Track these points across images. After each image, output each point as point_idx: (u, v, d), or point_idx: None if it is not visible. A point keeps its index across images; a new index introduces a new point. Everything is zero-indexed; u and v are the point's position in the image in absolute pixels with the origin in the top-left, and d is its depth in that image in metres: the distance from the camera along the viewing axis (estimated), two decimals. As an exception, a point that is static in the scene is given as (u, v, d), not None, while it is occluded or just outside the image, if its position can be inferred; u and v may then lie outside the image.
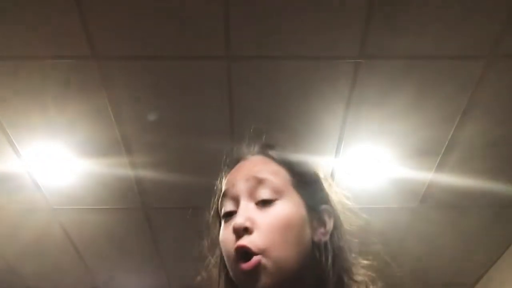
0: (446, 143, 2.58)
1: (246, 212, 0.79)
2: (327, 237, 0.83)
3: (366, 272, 0.86)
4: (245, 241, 0.76)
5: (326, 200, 0.88)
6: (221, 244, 0.82)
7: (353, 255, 0.87)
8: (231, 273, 0.81)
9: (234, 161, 0.92)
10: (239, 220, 0.78)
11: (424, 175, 2.78)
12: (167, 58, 2.22)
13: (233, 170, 0.89)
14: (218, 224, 0.89)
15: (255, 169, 0.84)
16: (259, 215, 0.79)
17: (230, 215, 0.82)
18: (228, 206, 0.83)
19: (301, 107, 2.41)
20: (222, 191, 0.86)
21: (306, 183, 0.86)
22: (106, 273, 3.70)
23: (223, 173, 0.93)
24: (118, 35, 2.10)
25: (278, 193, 0.81)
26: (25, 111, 2.41)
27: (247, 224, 0.77)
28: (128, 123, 2.50)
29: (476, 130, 2.51)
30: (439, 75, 2.26)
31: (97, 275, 3.71)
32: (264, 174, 0.83)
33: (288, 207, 0.80)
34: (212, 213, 0.92)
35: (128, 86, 2.33)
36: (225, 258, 0.81)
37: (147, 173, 2.79)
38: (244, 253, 0.76)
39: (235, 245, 0.76)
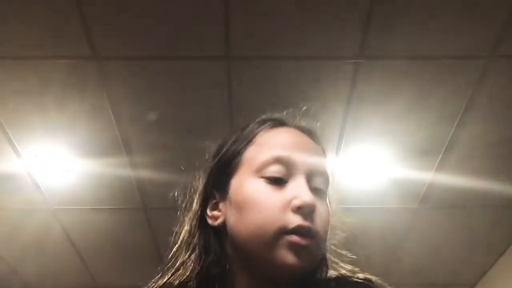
0: (446, 143, 2.58)
1: (311, 194, 0.75)
2: None
3: (352, 266, 0.85)
4: (310, 222, 0.73)
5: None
6: (258, 203, 0.74)
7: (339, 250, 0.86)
8: (248, 237, 0.74)
9: (277, 122, 0.87)
10: (310, 198, 0.74)
11: (424, 175, 2.78)
12: (167, 58, 2.22)
13: (283, 134, 0.83)
14: (225, 170, 0.82)
15: (315, 155, 0.81)
16: (318, 202, 0.76)
17: (278, 181, 0.76)
18: (278, 171, 0.76)
19: (301, 107, 2.40)
20: (274, 151, 0.78)
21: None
22: (106, 273, 3.70)
23: (259, 125, 0.86)
24: (118, 35, 2.10)
25: (326, 189, 0.80)
26: (25, 111, 2.41)
27: (316, 207, 0.75)
28: (128, 123, 2.50)
29: (476, 130, 2.51)
30: (439, 75, 2.26)
31: (97, 275, 3.71)
32: (323, 166, 0.81)
33: (328, 208, 0.80)
34: (220, 156, 0.84)
35: (128, 86, 2.33)
36: (256, 220, 0.74)
37: (147, 173, 2.79)
38: (303, 231, 0.73)
39: (300, 223, 0.72)
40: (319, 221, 0.75)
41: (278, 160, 0.77)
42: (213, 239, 0.79)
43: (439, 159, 2.68)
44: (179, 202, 0.89)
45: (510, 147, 2.59)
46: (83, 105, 2.40)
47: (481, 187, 2.80)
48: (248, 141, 0.82)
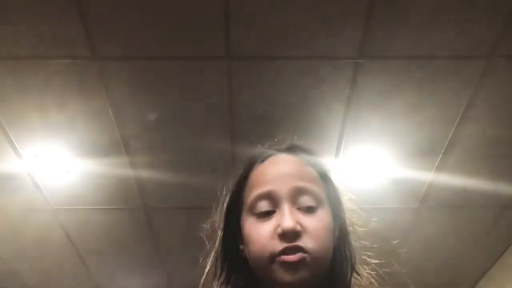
0: (446, 143, 2.58)
1: (294, 216, 0.83)
2: (336, 242, 0.90)
3: (370, 272, 0.95)
4: (297, 242, 0.82)
5: (341, 208, 0.93)
6: (252, 239, 0.85)
7: (357, 256, 0.94)
8: (257, 266, 0.85)
9: (264, 156, 0.95)
10: (290, 223, 0.82)
11: (424, 175, 2.78)
12: (167, 58, 2.22)
13: (268, 168, 0.91)
14: (232, 214, 0.92)
15: (297, 175, 0.88)
16: (305, 220, 0.84)
17: (267, 214, 0.86)
18: (264, 205, 0.86)
19: (301, 107, 2.41)
20: (258, 189, 0.88)
21: (333, 193, 0.92)
22: (106, 273, 3.70)
23: (250, 164, 0.94)
24: (118, 35, 2.10)
25: (319, 202, 0.87)
26: (25, 111, 2.41)
27: (298, 228, 0.82)
28: (128, 123, 2.50)
29: (476, 130, 2.51)
30: (439, 75, 2.26)
31: (97, 275, 3.71)
32: (307, 183, 0.87)
33: (326, 215, 0.87)
34: (228, 201, 0.94)
35: (128, 86, 2.33)
36: (254, 252, 0.85)
37: (147, 173, 2.79)
38: (290, 250, 0.81)
39: (286, 245, 0.81)
40: (309, 238, 0.82)
41: (261, 197, 0.87)
42: (245, 268, 0.90)
43: (439, 159, 2.68)
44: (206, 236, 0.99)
45: (510, 147, 2.59)
46: (83, 105, 2.40)
47: (481, 187, 2.81)
48: (244, 183, 0.93)
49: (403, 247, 3.33)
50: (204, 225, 0.99)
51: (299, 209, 0.85)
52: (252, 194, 0.88)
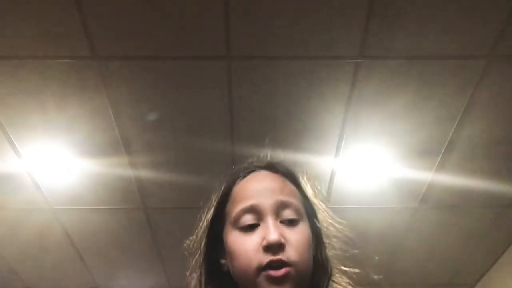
0: (446, 143, 2.59)
1: (278, 229, 0.86)
2: (314, 253, 0.93)
3: (348, 281, 0.96)
4: (281, 255, 0.84)
5: (316, 220, 0.96)
6: (237, 252, 0.88)
7: (335, 265, 0.96)
8: (242, 280, 0.87)
9: (246, 172, 0.98)
10: (275, 236, 0.85)
11: (424, 175, 2.78)
12: (167, 58, 2.22)
13: (251, 183, 0.94)
14: (214, 229, 0.95)
15: (279, 190, 0.92)
16: (288, 232, 0.87)
17: (251, 227, 0.88)
18: (248, 219, 0.89)
19: (301, 107, 2.41)
20: (242, 203, 0.91)
21: (309, 206, 0.95)
22: (106, 273, 3.70)
23: (233, 180, 0.97)
24: (118, 35, 2.10)
25: (299, 215, 0.90)
26: (25, 111, 2.41)
27: (282, 241, 0.85)
28: (128, 123, 2.50)
29: (476, 130, 2.51)
30: (439, 75, 2.26)
31: (97, 275, 3.71)
32: (289, 197, 0.91)
33: (306, 227, 0.90)
34: (211, 215, 0.97)
35: (128, 86, 2.33)
36: (239, 265, 0.87)
37: (147, 173, 2.79)
38: (275, 264, 0.84)
39: (271, 258, 0.84)
40: (293, 249, 0.85)
41: (245, 211, 0.89)
42: (227, 281, 0.92)
43: (439, 159, 2.68)
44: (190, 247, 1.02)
45: (510, 147, 2.59)
46: (83, 105, 2.40)
47: (481, 187, 2.81)
48: (227, 197, 0.95)
49: (403, 247, 3.34)
50: (186, 242, 1.01)
51: (281, 222, 0.88)
52: (235, 208, 0.91)
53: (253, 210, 0.89)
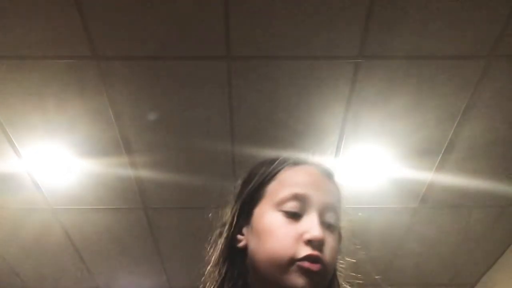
0: (446, 143, 2.58)
1: (321, 228, 0.86)
2: None
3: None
4: (319, 252, 0.84)
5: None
6: (274, 233, 0.85)
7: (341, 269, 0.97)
8: (264, 262, 0.85)
9: (298, 161, 0.96)
10: (320, 233, 0.84)
11: (424, 175, 2.78)
12: (167, 58, 2.22)
13: (305, 173, 0.93)
14: (250, 200, 0.92)
15: (330, 193, 0.92)
16: (326, 235, 0.87)
17: (294, 215, 0.87)
18: (294, 206, 0.87)
19: (301, 107, 2.41)
20: (294, 188, 0.89)
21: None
22: (106, 273, 3.70)
23: (281, 164, 0.95)
24: (118, 35, 2.10)
25: (337, 223, 0.91)
26: (25, 111, 2.42)
27: (325, 240, 0.85)
28: (128, 123, 2.50)
29: (476, 130, 2.51)
30: (439, 75, 2.26)
31: (97, 275, 3.71)
32: (335, 202, 0.92)
33: (338, 238, 0.91)
34: (248, 191, 0.94)
35: (128, 86, 2.33)
36: (271, 247, 0.85)
37: (147, 173, 2.79)
38: (313, 258, 0.83)
39: (310, 253, 0.83)
40: (328, 252, 0.85)
41: (295, 197, 0.88)
42: (238, 256, 0.91)
43: (439, 159, 2.68)
44: (213, 224, 0.98)
45: (510, 147, 2.59)
46: (83, 105, 2.40)
47: (481, 187, 2.81)
48: (272, 176, 0.93)
49: (403, 247, 3.33)
50: (212, 211, 0.98)
51: (322, 223, 0.87)
52: (283, 190, 0.89)
53: (302, 199, 0.88)
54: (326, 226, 0.87)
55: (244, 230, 0.92)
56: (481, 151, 2.62)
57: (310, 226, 0.85)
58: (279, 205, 0.88)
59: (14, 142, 2.58)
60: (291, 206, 0.87)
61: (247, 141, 2.56)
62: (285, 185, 0.90)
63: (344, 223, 0.95)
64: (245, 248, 0.90)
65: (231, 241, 0.92)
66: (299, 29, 2.08)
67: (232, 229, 0.92)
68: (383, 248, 3.32)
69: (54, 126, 2.50)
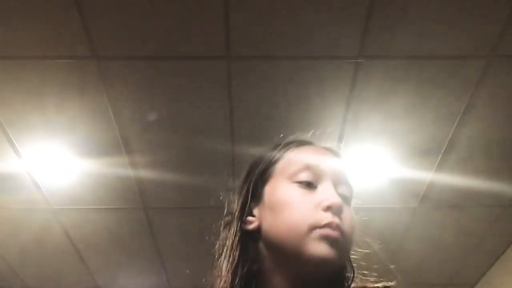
0: (446, 143, 2.58)
1: (338, 196, 0.85)
2: None
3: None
4: (339, 220, 0.82)
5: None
6: (290, 204, 0.84)
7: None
8: (283, 235, 0.82)
9: (308, 141, 0.97)
10: (338, 199, 0.83)
11: (424, 175, 2.78)
12: (167, 58, 2.22)
13: (316, 149, 0.93)
14: (260, 180, 0.91)
15: (341, 168, 0.91)
16: (344, 206, 0.86)
17: (308, 185, 0.86)
18: (308, 176, 0.86)
19: (301, 107, 2.41)
20: (306, 159, 0.88)
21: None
22: (106, 273, 3.70)
23: (287, 145, 0.95)
24: (118, 35, 2.10)
25: (351, 197, 0.91)
26: (25, 111, 2.42)
27: (343, 207, 0.84)
28: (128, 123, 2.50)
29: (476, 130, 2.51)
30: (439, 75, 2.26)
31: (97, 275, 3.71)
32: (347, 175, 0.91)
33: (353, 212, 0.90)
34: (260, 168, 0.92)
35: (128, 86, 2.33)
36: (289, 218, 0.83)
37: (147, 173, 2.79)
38: (335, 225, 0.82)
39: (332, 220, 0.81)
40: (346, 222, 0.84)
41: (308, 168, 0.87)
42: (250, 241, 0.88)
43: (439, 159, 2.68)
44: (224, 209, 0.96)
45: (510, 147, 2.59)
46: (83, 105, 2.40)
47: (481, 187, 2.80)
48: (279, 156, 0.93)
49: (403, 247, 3.33)
50: (224, 192, 0.97)
51: (338, 194, 0.86)
52: (295, 163, 0.88)
53: (315, 170, 0.87)
54: (342, 197, 0.86)
55: (255, 211, 0.90)
56: (481, 151, 2.62)
57: (328, 193, 0.84)
58: (292, 177, 0.87)
59: (14, 142, 2.58)
60: (305, 176, 0.86)
61: (247, 141, 2.56)
62: (296, 159, 0.89)
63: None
64: (257, 231, 0.88)
65: (242, 224, 0.89)
66: (299, 29, 2.08)
67: (244, 211, 0.90)
68: (383, 248, 3.31)
69: (54, 126, 2.50)
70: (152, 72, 2.28)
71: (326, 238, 0.80)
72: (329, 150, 0.95)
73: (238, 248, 0.87)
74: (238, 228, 0.89)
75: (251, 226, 0.88)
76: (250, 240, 0.87)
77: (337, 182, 0.88)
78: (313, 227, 0.81)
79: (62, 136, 2.55)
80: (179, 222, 3.15)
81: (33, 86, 2.30)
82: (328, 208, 0.82)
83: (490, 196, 2.87)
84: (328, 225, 0.81)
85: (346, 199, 0.88)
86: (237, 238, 0.88)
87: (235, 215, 0.91)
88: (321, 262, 0.79)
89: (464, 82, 2.28)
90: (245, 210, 0.90)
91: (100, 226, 3.19)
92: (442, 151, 2.63)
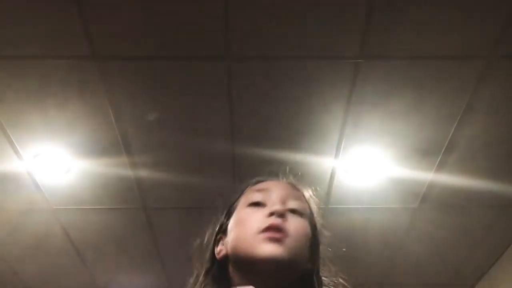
0: (446, 143, 2.58)
1: (281, 206, 0.94)
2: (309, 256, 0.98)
3: (335, 277, 1.02)
4: (281, 222, 0.91)
5: (316, 229, 1.02)
6: (243, 221, 0.95)
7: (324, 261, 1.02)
8: (240, 247, 0.92)
9: (260, 180, 1.06)
10: (280, 206, 0.93)
11: (424, 175, 2.78)
12: (167, 58, 2.22)
13: (262, 183, 1.04)
14: (227, 217, 1.02)
15: (290, 188, 1.01)
16: (290, 216, 0.94)
17: (258, 204, 0.97)
18: (257, 196, 0.98)
19: (301, 107, 2.41)
20: (254, 188, 1.01)
21: (313, 217, 1.02)
22: (106, 273, 3.70)
23: (244, 187, 1.06)
24: (118, 35, 2.10)
25: (303, 210, 0.97)
26: (25, 111, 2.41)
27: (285, 213, 0.93)
28: (128, 123, 2.50)
29: (476, 130, 2.51)
30: (439, 75, 2.26)
31: (97, 275, 3.71)
32: (297, 195, 1.00)
33: (306, 224, 0.96)
34: (222, 218, 1.04)
35: (128, 86, 2.33)
36: (242, 231, 0.93)
37: (147, 173, 2.79)
38: (275, 227, 0.90)
39: (272, 222, 0.90)
40: (292, 227, 0.91)
41: (258, 190, 1.00)
42: (217, 266, 0.98)
43: (439, 159, 2.68)
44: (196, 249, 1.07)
45: (510, 147, 2.59)
46: (83, 105, 2.40)
47: (481, 187, 2.80)
48: (238, 197, 1.04)
49: (403, 247, 3.33)
50: (195, 243, 1.07)
51: (285, 208, 0.95)
52: (251, 192, 1.01)
53: (264, 191, 0.98)
54: (290, 210, 0.95)
55: (224, 241, 0.99)
56: (481, 151, 2.61)
57: (271, 205, 0.94)
58: (246, 203, 0.98)
59: (14, 142, 2.58)
60: (255, 197, 0.98)
61: (247, 141, 2.56)
62: (251, 190, 1.02)
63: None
64: (225, 258, 0.96)
65: (213, 255, 0.99)
66: (299, 29, 2.08)
67: (215, 242, 1.01)
68: (383, 248, 3.32)
69: (54, 126, 2.50)
70: (152, 72, 2.28)
71: (269, 238, 0.88)
72: (284, 181, 1.05)
73: (210, 276, 0.98)
74: (209, 258, 1.01)
75: (220, 255, 0.98)
76: (220, 268, 0.97)
77: (286, 198, 0.97)
78: (259, 232, 0.90)
79: (62, 136, 2.55)
80: (179, 222, 3.15)
81: (33, 86, 2.30)
82: (270, 214, 0.91)
83: (490, 196, 2.87)
84: (269, 227, 0.89)
85: (296, 212, 0.95)
86: (207, 267, 1.00)
87: (209, 249, 1.02)
88: (269, 260, 0.87)
89: (464, 82, 2.28)
90: (215, 241, 1.01)
91: (100, 226, 3.19)
92: (442, 151, 2.63)
